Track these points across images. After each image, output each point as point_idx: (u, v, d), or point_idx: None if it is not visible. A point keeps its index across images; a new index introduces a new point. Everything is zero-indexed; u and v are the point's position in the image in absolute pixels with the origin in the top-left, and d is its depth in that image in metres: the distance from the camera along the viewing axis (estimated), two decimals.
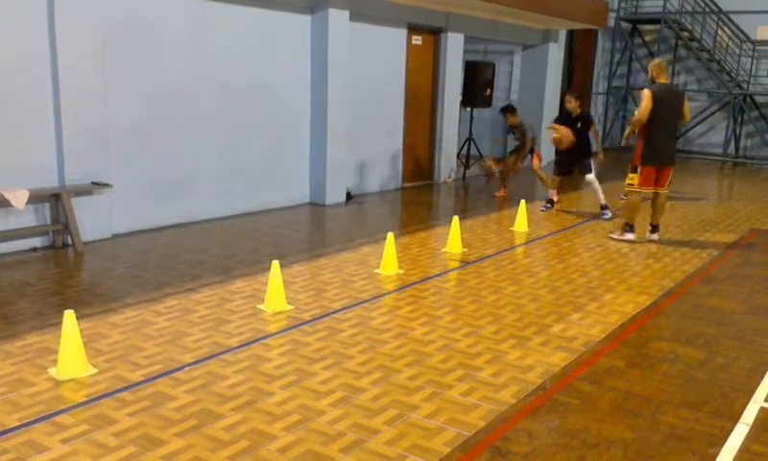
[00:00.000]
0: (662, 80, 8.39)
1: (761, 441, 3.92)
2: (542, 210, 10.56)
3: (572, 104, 10.20)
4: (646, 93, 8.21)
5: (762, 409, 4.31)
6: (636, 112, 8.38)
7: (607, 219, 9.94)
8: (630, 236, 8.69)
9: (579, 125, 10.10)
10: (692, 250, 8.40)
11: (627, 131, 8.82)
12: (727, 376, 4.80)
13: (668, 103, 8.24)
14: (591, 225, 9.74)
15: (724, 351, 5.23)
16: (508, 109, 11.80)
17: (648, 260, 7.86)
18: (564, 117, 10.51)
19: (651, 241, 8.75)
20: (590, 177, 10.16)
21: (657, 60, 8.59)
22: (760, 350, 5.30)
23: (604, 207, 10.13)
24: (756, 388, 4.60)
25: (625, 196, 9.73)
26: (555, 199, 10.92)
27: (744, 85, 18.34)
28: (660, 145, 8.34)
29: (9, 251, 7.14)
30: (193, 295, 6.09)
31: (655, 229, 8.83)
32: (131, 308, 5.69)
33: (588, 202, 11.41)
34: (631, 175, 8.58)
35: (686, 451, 3.76)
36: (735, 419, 4.16)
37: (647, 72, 8.70)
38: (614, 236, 8.84)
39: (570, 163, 10.41)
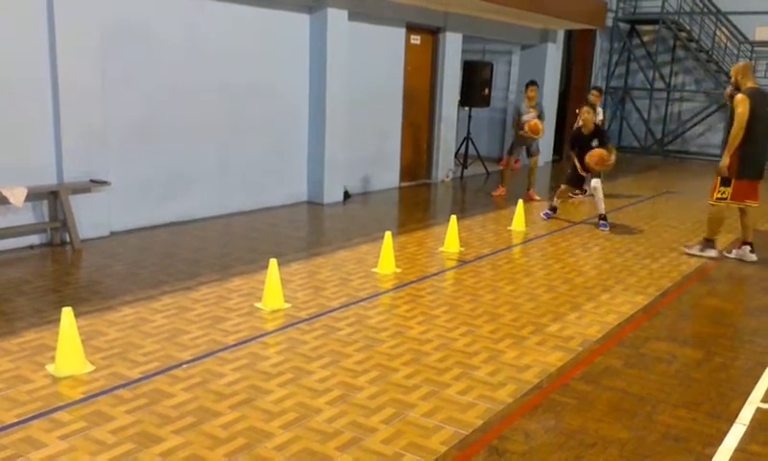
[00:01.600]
0: (751, 83, 7.61)
1: (758, 441, 3.93)
2: (544, 218, 10.04)
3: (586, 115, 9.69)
4: (742, 99, 7.42)
5: (759, 409, 4.32)
6: (733, 126, 7.51)
7: (605, 230, 9.34)
8: (712, 252, 8.04)
9: (595, 142, 9.63)
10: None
11: (727, 154, 7.63)
12: (724, 376, 4.82)
13: (762, 108, 7.53)
14: (588, 225, 9.75)
15: (721, 352, 5.25)
16: (534, 83, 11.70)
17: (645, 260, 7.87)
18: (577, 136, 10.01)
19: (751, 262, 7.92)
20: (596, 182, 9.61)
21: (741, 63, 7.87)
22: (758, 350, 5.31)
23: (603, 217, 9.56)
24: (753, 388, 4.62)
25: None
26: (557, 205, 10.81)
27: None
28: (756, 156, 7.60)
29: (7, 248, 7.13)
30: (191, 293, 6.09)
31: (751, 246, 8.00)
32: (128, 306, 5.69)
33: (585, 201, 11.42)
34: (721, 188, 7.76)
35: (683, 451, 3.78)
36: (732, 419, 4.18)
37: (728, 77, 7.81)
38: (693, 252, 8.13)
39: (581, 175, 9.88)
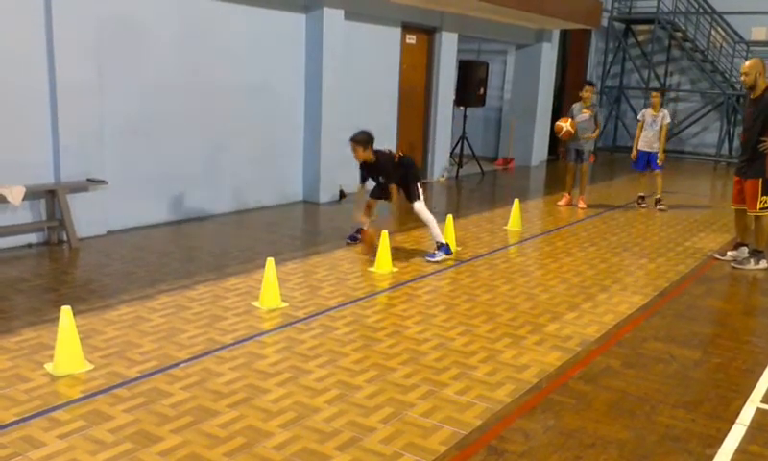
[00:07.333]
0: None
1: (758, 442, 3.94)
2: (349, 242, 8.03)
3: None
4: None
5: (759, 410, 4.33)
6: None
7: (434, 261, 7.35)
8: (766, 263, 7.66)
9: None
10: (686, 250, 8.43)
11: None
12: (723, 376, 4.82)
13: None
14: (585, 224, 9.76)
15: (720, 352, 5.25)
16: (590, 83, 11.01)
17: (642, 260, 7.88)
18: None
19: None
20: (418, 205, 7.50)
21: (754, 60, 7.34)
22: (756, 350, 5.32)
23: (439, 246, 7.46)
24: (753, 389, 4.62)
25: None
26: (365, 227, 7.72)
27: (737, 86, 18.39)
28: None
29: (4, 247, 7.10)
30: (188, 292, 6.07)
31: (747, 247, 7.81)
32: (126, 305, 5.67)
33: (573, 207, 11.43)
34: (763, 197, 7.34)
35: (683, 452, 3.78)
36: (732, 419, 4.18)
37: (744, 74, 7.31)
38: (748, 267, 7.65)
39: (383, 189, 7.56)
